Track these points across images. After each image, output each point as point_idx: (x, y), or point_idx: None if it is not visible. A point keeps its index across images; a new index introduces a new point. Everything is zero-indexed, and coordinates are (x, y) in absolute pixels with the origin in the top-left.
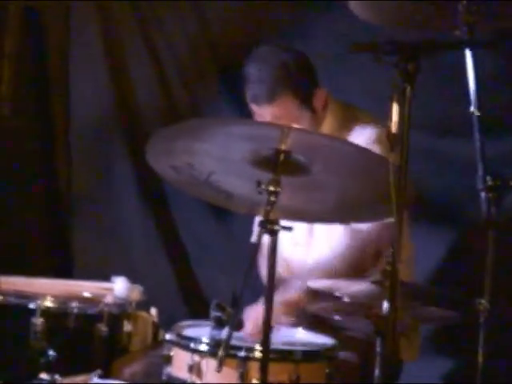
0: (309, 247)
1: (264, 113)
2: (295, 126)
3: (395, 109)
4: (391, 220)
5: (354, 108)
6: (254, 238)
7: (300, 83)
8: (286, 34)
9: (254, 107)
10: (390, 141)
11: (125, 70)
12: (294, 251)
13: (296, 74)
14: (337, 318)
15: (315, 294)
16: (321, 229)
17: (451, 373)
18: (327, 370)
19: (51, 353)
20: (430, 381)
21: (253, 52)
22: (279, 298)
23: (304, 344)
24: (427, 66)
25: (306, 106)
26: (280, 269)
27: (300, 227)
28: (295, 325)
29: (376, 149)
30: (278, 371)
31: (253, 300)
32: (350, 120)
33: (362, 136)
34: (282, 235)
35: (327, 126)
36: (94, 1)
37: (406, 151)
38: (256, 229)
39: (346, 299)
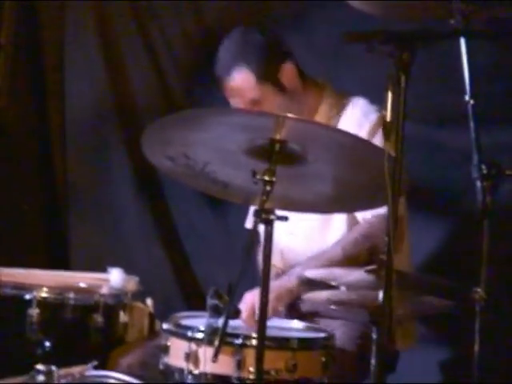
0: (305, 237)
1: (226, 87)
2: (258, 100)
3: (390, 98)
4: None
5: (348, 95)
6: (248, 224)
7: (255, 58)
8: (282, 26)
9: (218, 83)
10: (385, 130)
11: (120, 63)
12: (289, 241)
13: (252, 49)
14: (332, 307)
15: (310, 283)
16: (318, 218)
17: (448, 362)
18: (324, 359)
19: (47, 344)
20: (428, 369)
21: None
22: (273, 284)
23: (300, 332)
24: (422, 55)
25: (266, 81)
26: (274, 259)
27: (296, 217)
28: (289, 315)
29: (371, 119)
30: (274, 359)
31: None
32: (344, 106)
33: (355, 110)
34: (278, 225)
35: (322, 113)
36: None
37: (400, 140)
38: (251, 215)
39: (341, 288)
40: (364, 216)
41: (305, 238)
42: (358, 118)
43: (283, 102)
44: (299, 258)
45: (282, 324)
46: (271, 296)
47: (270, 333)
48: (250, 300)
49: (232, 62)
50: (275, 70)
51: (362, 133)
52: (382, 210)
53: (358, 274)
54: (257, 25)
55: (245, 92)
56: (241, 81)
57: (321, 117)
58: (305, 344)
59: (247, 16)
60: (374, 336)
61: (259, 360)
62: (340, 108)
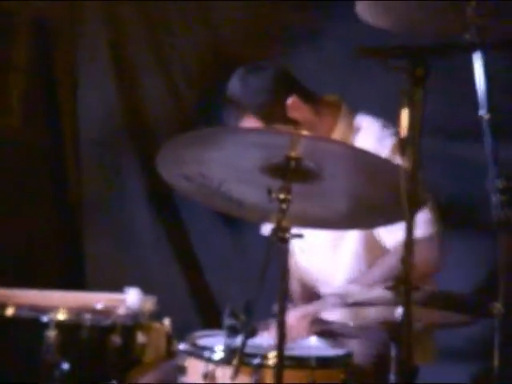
0: (317, 255)
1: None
2: None
3: (405, 113)
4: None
5: (359, 114)
6: (264, 230)
7: (259, 104)
8: (295, 40)
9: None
10: (401, 145)
11: (133, 80)
12: (301, 260)
13: (254, 97)
14: (351, 324)
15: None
16: (330, 237)
17: (468, 377)
18: (342, 376)
19: (65, 365)
20: None
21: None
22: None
23: (319, 351)
24: (437, 70)
25: (274, 122)
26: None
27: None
28: (308, 334)
29: (386, 145)
30: (293, 378)
31: (267, 307)
32: (358, 129)
33: (369, 136)
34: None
35: (339, 132)
36: (102, 12)
37: (416, 155)
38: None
39: (358, 305)
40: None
41: (317, 256)
42: (372, 145)
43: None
44: (312, 276)
45: (300, 342)
46: (304, 321)
47: (288, 351)
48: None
49: (237, 111)
50: (281, 109)
51: None
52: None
53: (375, 291)
54: (259, 60)
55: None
56: (251, 125)
57: (337, 135)
58: (323, 362)
59: (260, 31)
60: (393, 352)
61: (278, 380)
62: (355, 131)
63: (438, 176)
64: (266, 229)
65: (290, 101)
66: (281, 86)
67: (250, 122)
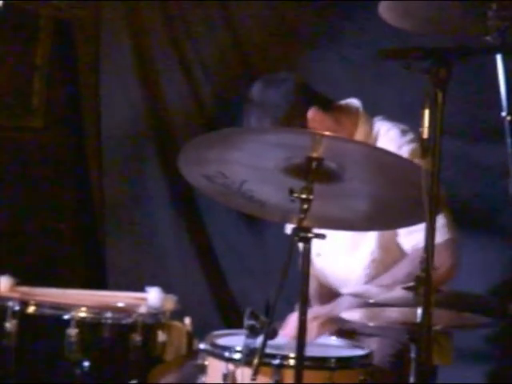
0: (333, 258)
1: None
2: None
3: (427, 115)
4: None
5: (378, 119)
6: (288, 230)
7: (279, 118)
8: (317, 42)
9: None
10: (422, 147)
11: (155, 81)
12: (317, 262)
13: (274, 111)
14: (371, 324)
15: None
16: (346, 239)
17: (486, 378)
18: (361, 377)
19: (86, 364)
20: None
21: (252, 86)
22: (322, 310)
23: (338, 351)
24: (458, 72)
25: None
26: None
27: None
28: (328, 333)
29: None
30: (312, 378)
31: (287, 309)
32: (376, 138)
33: (386, 137)
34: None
35: (359, 138)
36: (125, 12)
37: (437, 157)
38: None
39: (378, 306)
40: (412, 246)
41: (332, 258)
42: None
43: None
44: (328, 279)
45: (320, 341)
46: (318, 321)
47: (308, 351)
48: (293, 321)
49: (258, 123)
50: (302, 122)
51: None
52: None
53: (394, 292)
54: (278, 73)
55: None
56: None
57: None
58: (343, 363)
59: (281, 31)
60: (413, 354)
61: (299, 380)
62: (374, 137)
63: (459, 178)
64: (290, 228)
65: (310, 113)
66: (300, 99)
67: None
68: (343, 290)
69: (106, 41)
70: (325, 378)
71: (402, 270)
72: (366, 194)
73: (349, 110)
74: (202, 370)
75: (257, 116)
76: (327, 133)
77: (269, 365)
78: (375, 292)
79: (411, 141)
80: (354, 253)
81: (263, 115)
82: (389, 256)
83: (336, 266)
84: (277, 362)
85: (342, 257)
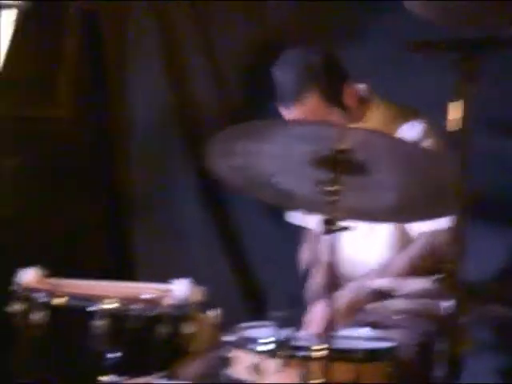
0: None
1: (292, 114)
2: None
3: (456, 108)
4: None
5: (397, 106)
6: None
7: (325, 82)
8: (339, 35)
9: (282, 109)
10: (451, 140)
11: (182, 73)
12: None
13: (320, 74)
14: (394, 316)
15: (375, 294)
16: (363, 228)
17: (509, 369)
18: (388, 370)
19: (112, 355)
20: (488, 377)
21: (280, 56)
22: (340, 300)
23: (367, 342)
24: (487, 64)
25: (334, 104)
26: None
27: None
28: (356, 325)
29: (427, 144)
30: (339, 371)
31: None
32: (395, 118)
33: (410, 132)
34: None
35: (372, 124)
36: (153, 1)
37: (466, 151)
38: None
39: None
40: (420, 229)
41: (349, 247)
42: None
43: (344, 119)
44: (344, 268)
45: (348, 333)
46: (342, 307)
47: (335, 343)
48: (318, 312)
49: (300, 86)
50: (340, 92)
51: None
52: (441, 224)
53: (418, 284)
54: (310, 45)
55: (314, 117)
56: (311, 107)
57: (370, 126)
58: (370, 355)
59: (308, 24)
60: (440, 345)
61: (326, 373)
62: (390, 119)
63: (487, 173)
64: (293, 216)
65: (348, 86)
66: (338, 69)
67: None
68: (363, 280)
69: (133, 33)
70: (352, 371)
71: (406, 256)
72: (393, 187)
73: (370, 100)
74: (227, 362)
75: (299, 80)
76: (354, 125)
77: (295, 357)
78: (400, 284)
79: (434, 135)
80: (370, 240)
81: (307, 80)
82: (402, 242)
83: (354, 250)
84: (303, 353)
85: (360, 240)
